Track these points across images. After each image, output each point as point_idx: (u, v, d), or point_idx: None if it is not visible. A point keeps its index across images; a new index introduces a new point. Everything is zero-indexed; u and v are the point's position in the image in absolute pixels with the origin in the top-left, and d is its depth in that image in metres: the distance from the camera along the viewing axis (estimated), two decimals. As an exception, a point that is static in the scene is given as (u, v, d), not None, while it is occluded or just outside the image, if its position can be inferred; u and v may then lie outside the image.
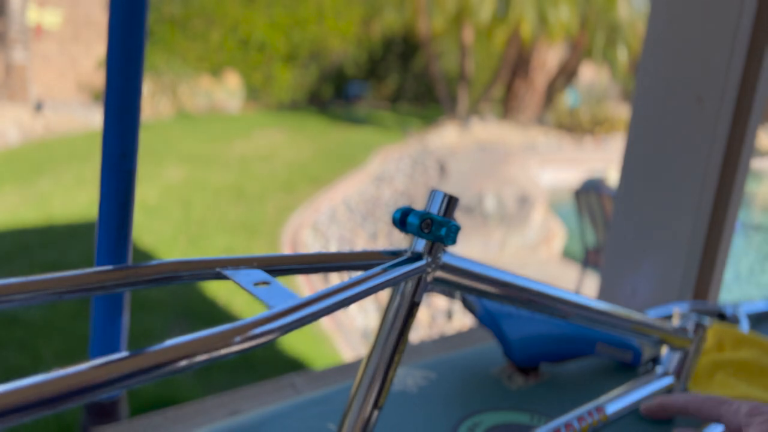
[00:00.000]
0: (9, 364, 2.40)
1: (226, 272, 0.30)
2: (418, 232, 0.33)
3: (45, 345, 2.56)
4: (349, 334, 3.19)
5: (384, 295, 0.36)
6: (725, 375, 0.60)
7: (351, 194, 6.04)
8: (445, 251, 0.35)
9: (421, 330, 3.27)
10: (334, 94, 12.83)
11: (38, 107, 8.02)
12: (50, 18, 9.22)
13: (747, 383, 0.59)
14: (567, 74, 12.13)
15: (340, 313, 3.38)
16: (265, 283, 0.29)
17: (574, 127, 11.15)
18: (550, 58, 11.93)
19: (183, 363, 0.22)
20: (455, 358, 0.62)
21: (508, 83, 12.04)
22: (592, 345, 0.60)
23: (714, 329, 0.65)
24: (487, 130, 10.35)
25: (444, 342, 0.70)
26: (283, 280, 0.31)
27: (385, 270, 0.32)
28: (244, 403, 0.55)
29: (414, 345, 0.68)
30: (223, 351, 0.24)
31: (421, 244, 0.34)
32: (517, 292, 0.39)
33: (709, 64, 0.75)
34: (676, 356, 0.54)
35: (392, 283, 0.32)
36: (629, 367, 0.63)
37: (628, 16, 11.27)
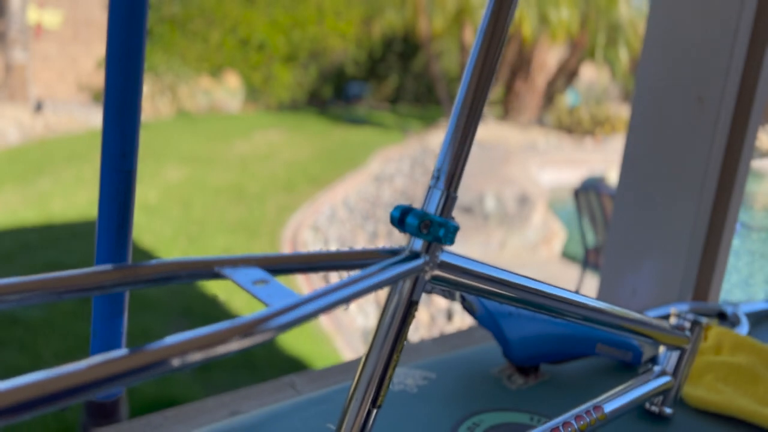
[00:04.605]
0: (9, 364, 2.40)
1: (225, 271, 0.30)
2: (417, 233, 0.33)
3: (45, 345, 2.56)
4: (349, 335, 3.19)
5: (384, 294, 0.36)
6: (714, 378, 0.60)
7: (351, 194, 6.04)
8: (443, 250, 0.35)
9: (421, 330, 3.27)
10: (334, 94, 12.82)
11: (38, 107, 8.02)
12: (50, 18, 9.22)
13: (734, 389, 0.59)
14: (567, 74, 12.12)
15: (335, 312, 3.38)
16: (264, 281, 0.29)
17: (574, 127, 11.14)
18: (550, 58, 11.93)
19: (182, 360, 0.22)
20: (455, 358, 0.62)
21: (509, 84, 12.03)
22: (592, 345, 0.60)
23: (715, 330, 0.65)
24: (488, 130, 10.35)
25: (444, 342, 0.70)
26: (282, 280, 0.31)
27: (382, 269, 0.32)
28: (244, 403, 0.55)
29: (414, 345, 0.68)
30: (222, 349, 0.24)
31: (419, 243, 0.34)
32: (516, 291, 0.39)
33: (709, 64, 0.75)
34: (674, 355, 0.54)
35: (390, 281, 0.32)
36: (629, 367, 0.63)
37: (629, 15, 11.26)
